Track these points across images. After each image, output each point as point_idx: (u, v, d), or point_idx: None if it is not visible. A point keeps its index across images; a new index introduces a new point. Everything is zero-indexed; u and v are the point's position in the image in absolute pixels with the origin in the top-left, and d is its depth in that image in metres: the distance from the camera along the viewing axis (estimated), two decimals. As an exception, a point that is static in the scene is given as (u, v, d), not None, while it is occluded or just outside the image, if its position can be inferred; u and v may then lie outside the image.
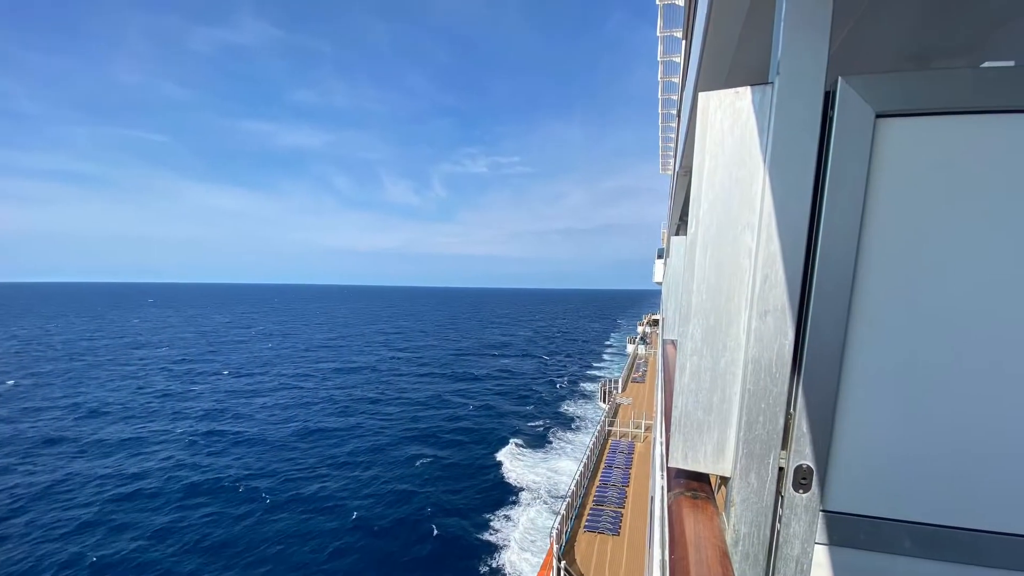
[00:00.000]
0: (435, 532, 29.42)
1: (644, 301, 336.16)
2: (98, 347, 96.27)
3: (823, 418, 1.62)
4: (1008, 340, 1.47)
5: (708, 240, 1.74)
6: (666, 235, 25.52)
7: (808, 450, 1.64)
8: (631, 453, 29.12)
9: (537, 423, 50.25)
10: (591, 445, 29.08)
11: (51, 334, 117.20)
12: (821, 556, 1.70)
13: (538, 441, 44.79)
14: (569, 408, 56.05)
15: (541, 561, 20.34)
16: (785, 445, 1.69)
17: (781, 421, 1.67)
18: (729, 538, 1.75)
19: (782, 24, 1.52)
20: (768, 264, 1.63)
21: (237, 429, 47.04)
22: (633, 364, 57.37)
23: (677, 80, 18.94)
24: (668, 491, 2.16)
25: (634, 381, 48.76)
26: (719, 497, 2.03)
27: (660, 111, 24.15)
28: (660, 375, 9.47)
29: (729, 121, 1.68)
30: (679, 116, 8.65)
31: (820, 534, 1.68)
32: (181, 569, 25.83)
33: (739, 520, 1.74)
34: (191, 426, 47.72)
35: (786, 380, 1.65)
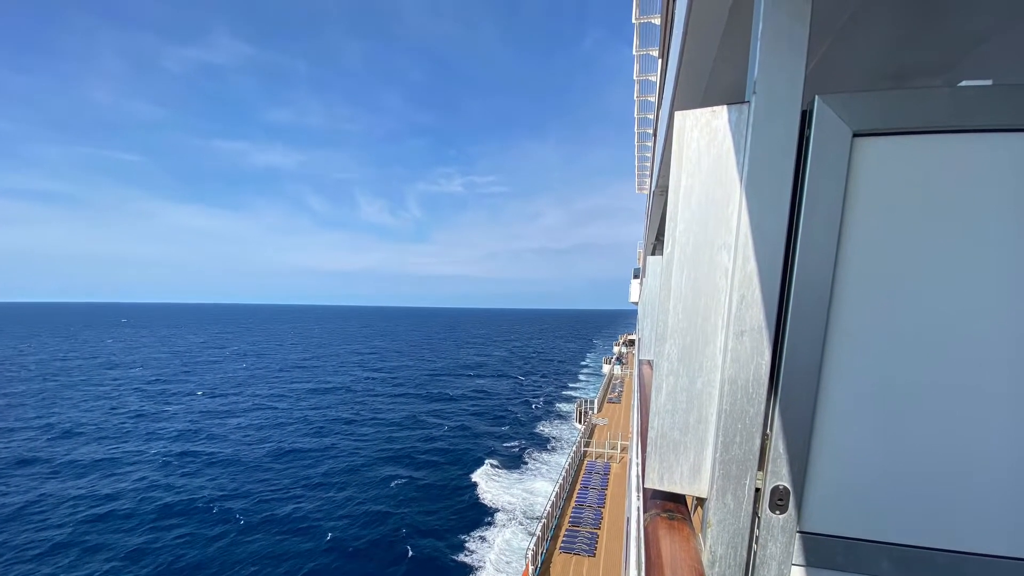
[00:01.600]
0: (410, 553, 28.95)
1: (620, 321, 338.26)
2: (71, 367, 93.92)
3: (800, 439, 1.60)
4: (986, 359, 1.47)
5: (684, 260, 1.74)
6: (642, 255, 25.68)
7: (785, 471, 1.63)
8: (607, 474, 29.06)
9: (512, 444, 49.85)
10: (567, 466, 28.96)
11: (24, 354, 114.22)
12: None
13: (513, 462, 44.41)
14: (545, 429, 55.62)
15: (517, 583, 20.18)
16: (762, 466, 1.67)
17: (758, 442, 1.66)
18: (706, 559, 1.73)
19: (759, 43, 1.53)
20: (745, 284, 1.63)
21: (211, 450, 46.07)
22: (609, 384, 57.26)
23: (653, 99, 19.18)
24: (644, 512, 2.15)
25: (610, 401, 48.74)
26: (695, 518, 2.01)
27: (636, 130, 24.38)
28: (636, 395, 9.48)
29: (705, 140, 1.68)
30: (655, 135, 8.73)
31: (797, 555, 1.66)
32: (154, 591, 25.30)
33: (716, 541, 1.72)
34: (165, 447, 46.63)
35: (763, 400, 1.64)
